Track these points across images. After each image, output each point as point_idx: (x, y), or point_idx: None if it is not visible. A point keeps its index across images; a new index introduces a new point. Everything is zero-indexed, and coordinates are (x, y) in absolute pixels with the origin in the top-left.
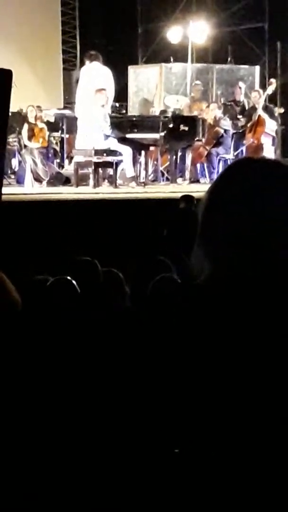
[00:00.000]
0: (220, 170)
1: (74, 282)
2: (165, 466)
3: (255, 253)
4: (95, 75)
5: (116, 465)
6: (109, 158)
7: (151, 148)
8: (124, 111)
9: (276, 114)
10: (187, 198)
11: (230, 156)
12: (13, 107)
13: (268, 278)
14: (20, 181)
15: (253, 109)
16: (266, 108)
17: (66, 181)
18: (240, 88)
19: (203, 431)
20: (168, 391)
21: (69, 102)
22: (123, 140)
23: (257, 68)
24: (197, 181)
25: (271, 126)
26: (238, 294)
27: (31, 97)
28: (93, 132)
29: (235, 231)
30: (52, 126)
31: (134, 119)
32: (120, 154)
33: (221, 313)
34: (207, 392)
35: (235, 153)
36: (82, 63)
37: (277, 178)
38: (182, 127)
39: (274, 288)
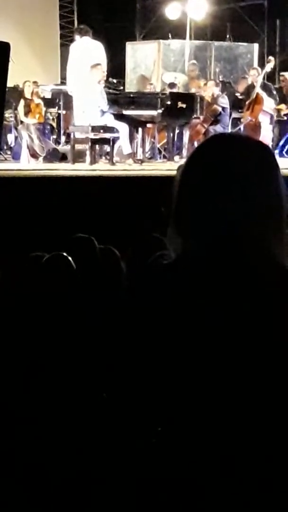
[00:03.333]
0: None
1: (70, 258)
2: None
3: (226, 232)
4: (88, 50)
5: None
6: (106, 135)
7: (149, 125)
8: (121, 88)
9: (274, 93)
10: None
11: None
12: (10, 83)
13: (238, 257)
14: (16, 157)
15: (251, 87)
16: (264, 86)
17: (62, 157)
18: (246, 77)
19: (187, 411)
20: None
21: (66, 78)
22: (120, 117)
23: (256, 46)
24: None
25: (269, 104)
26: (207, 273)
27: (28, 72)
28: (90, 108)
29: (205, 210)
30: (49, 102)
31: (131, 95)
32: (117, 131)
33: (190, 293)
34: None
35: (233, 131)
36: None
37: (248, 154)
38: (180, 104)
39: (243, 266)
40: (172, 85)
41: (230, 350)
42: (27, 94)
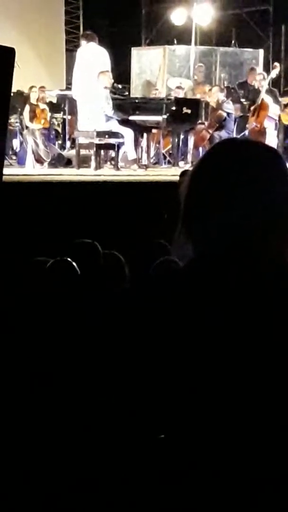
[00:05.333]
0: None
1: (74, 263)
2: (151, 450)
3: (237, 237)
4: (94, 56)
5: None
6: (111, 140)
7: (153, 130)
8: (126, 93)
9: (279, 99)
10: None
11: None
12: (15, 88)
13: (249, 263)
14: (21, 162)
15: (257, 92)
16: (269, 92)
17: (67, 162)
18: (255, 71)
19: (199, 416)
20: (160, 374)
21: (71, 83)
22: (125, 122)
23: (261, 52)
24: None
25: (274, 110)
26: (220, 279)
27: (34, 77)
28: (95, 113)
29: (215, 215)
30: (54, 107)
31: (136, 101)
32: (122, 136)
33: (201, 299)
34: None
35: (238, 137)
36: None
37: (258, 159)
38: (184, 109)
39: (255, 272)
40: (178, 87)
41: (243, 355)
42: (33, 100)
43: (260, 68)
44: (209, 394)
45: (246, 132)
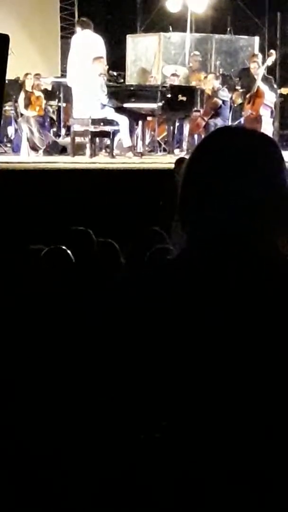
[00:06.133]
0: None
1: (69, 251)
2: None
3: (232, 225)
4: (90, 43)
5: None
6: (106, 128)
7: (149, 118)
8: (121, 80)
9: (275, 86)
10: (183, 162)
11: None
12: (10, 75)
13: (243, 252)
14: (16, 150)
15: (252, 80)
16: (265, 79)
17: (62, 150)
18: (255, 61)
19: (189, 410)
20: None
21: (66, 70)
22: (120, 110)
23: (257, 39)
24: None
25: (270, 97)
26: (212, 268)
27: (29, 64)
28: (90, 101)
29: (211, 203)
30: (49, 95)
31: (131, 88)
32: (117, 124)
33: (193, 289)
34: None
35: (234, 124)
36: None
37: (254, 147)
38: (180, 97)
39: (249, 262)
40: (173, 75)
41: (237, 346)
42: (28, 87)
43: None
44: (205, 385)
45: (242, 119)
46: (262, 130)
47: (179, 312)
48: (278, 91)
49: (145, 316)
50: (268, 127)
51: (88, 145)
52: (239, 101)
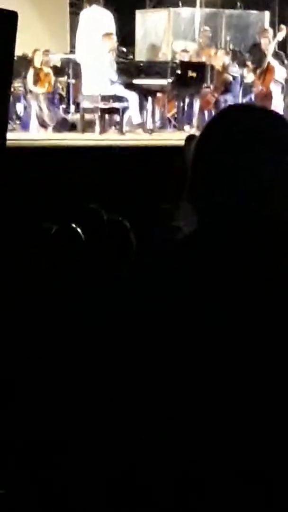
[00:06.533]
0: None
1: (78, 229)
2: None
3: (243, 204)
4: (99, 19)
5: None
6: (116, 104)
7: (158, 94)
8: (131, 57)
9: (286, 62)
10: (193, 139)
11: None
12: (19, 52)
13: (255, 234)
14: (25, 127)
15: (263, 55)
16: (276, 55)
17: (71, 127)
18: (266, 36)
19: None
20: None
21: (75, 47)
22: (130, 86)
23: (267, 14)
24: None
25: (281, 73)
26: (224, 249)
27: (37, 41)
28: (99, 77)
29: (222, 182)
30: (58, 71)
31: (141, 64)
32: (127, 100)
33: (201, 271)
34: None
35: (244, 100)
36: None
37: (265, 125)
38: (190, 73)
39: (260, 245)
40: (183, 51)
41: (245, 331)
42: (37, 63)
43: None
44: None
45: (252, 95)
46: (273, 106)
47: (186, 298)
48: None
49: (151, 302)
50: (278, 103)
51: (97, 122)
52: (250, 77)
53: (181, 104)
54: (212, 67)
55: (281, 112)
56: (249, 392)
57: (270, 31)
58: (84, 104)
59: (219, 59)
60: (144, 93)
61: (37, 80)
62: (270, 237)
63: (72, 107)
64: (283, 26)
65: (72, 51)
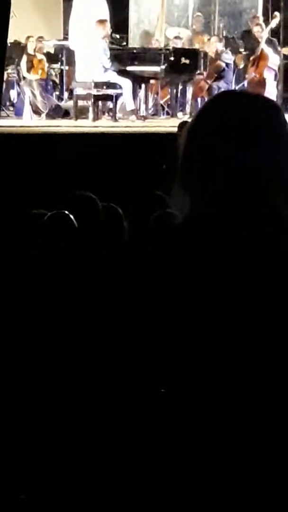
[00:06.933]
0: None
1: (71, 216)
2: (152, 405)
3: (235, 189)
4: (92, 6)
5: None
6: (109, 91)
7: (152, 81)
8: (124, 43)
9: (279, 49)
10: (186, 125)
11: None
12: (12, 38)
13: (247, 219)
14: (18, 113)
15: (256, 42)
16: (269, 42)
17: (65, 113)
18: (258, 23)
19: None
20: (158, 330)
21: (69, 33)
22: (123, 73)
23: (260, 1)
24: None
25: (274, 60)
26: (218, 234)
27: (31, 27)
28: (93, 64)
29: (213, 167)
30: (52, 58)
31: (134, 51)
32: (120, 87)
33: (197, 257)
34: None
35: (237, 87)
36: None
37: (257, 111)
38: (183, 60)
39: (253, 229)
40: (176, 37)
41: (247, 312)
42: (30, 50)
43: (259, 18)
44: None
45: (245, 82)
46: (266, 93)
47: (186, 279)
48: (281, 51)
49: (150, 282)
50: (272, 90)
51: (91, 109)
52: (242, 63)
53: (174, 91)
54: (205, 54)
55: (274, 99)
56: (245, 384)
57: (261, 18)
58: (78, 91)
59: (212, 46)
60: (138, 80)
61: (30, 66)
62: (263, 222)
63: (66, 94)
64: (276, 13)
65: (65, 37)
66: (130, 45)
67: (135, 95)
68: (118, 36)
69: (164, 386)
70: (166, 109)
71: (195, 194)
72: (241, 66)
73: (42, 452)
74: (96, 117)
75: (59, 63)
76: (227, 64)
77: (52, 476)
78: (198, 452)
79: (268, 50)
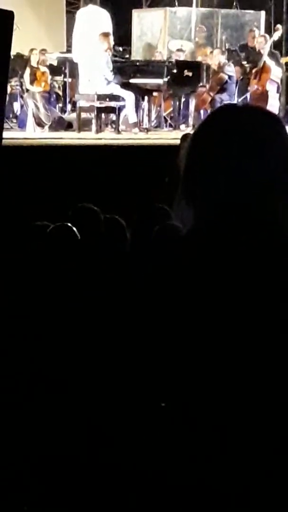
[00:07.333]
0: None
1: (74, 228)
2: (151, 410)
3: (238, 202)
4: (94, 18)
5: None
6: (112, 103)
7: (155, 93)
8: (127, 56)
9: (281, 61)
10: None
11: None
12: (15, 50)
13: (251, 230)
14: (21, 126)
15: (259, 55)
16: (271, 55)
17: (68, 126)
18: (254, 36)
19: (193, 382)
20: (159, 339)
21: (72, 46)
22: (126, 85)
23: (263, 14)
24: None
25: (277, 73)
26: (223, 246)
27: (34, 40)
28: (96, 76)
29: (216, 180)
30: (55, 70)
31: (137, 64)
32: (123, 100)
33: (202, 267)
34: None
35: (240, 100)
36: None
37: (258, 124)
38: (186, 72)
39: (256, 242)
40: (179, 50)
41: (253, 321)
42: (33, 62)
43: (262, 31)
44: (210, 366)
45: (248, 95)
46: (269, 105)
47: (191, 292)
48: (283, 62)
49: (158, 293)
50: (274, 102)
51: (94, 121)
52: (240, 76)
53: (177, 103)
54: (208, 67)
55: (276, 111)
56: (250, 395)
57: (257, 31)
58: (81, 103)
59: (215, 58)
60: (140, 92)
61: (33, 79)
62: (266, 235)
63: (69, 106)
64: (278, 26)
65: (68, 50)
66: (133, 58)
67: (138, 107)
68: (121, 48)
69: (166, 397)
70: (168, 121)
71: (198, 207)
72: (240, 78)
73: (42, 461)
74: (99, 129)
75: (62, 75)
76: (229, 77)
77: (52, 487)
78: (198, 457)
79: (270, 63)
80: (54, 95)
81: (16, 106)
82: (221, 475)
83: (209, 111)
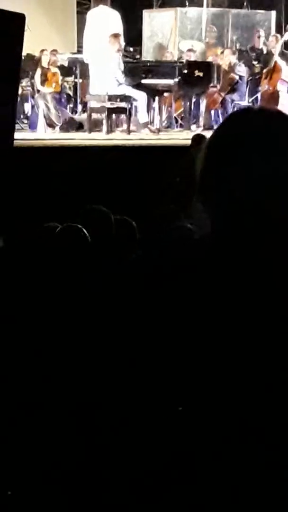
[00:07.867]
0: None
1: (84, 230)
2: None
3: (255, 210)
4: (105, 19)
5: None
6: (123, 104)
7: (165, 94)
8: (138, 56)
9: None
10: (199, 139)
11: (245, 103)
12: (26, 51)
13: (270, 237)
14: (32, 126)
15: (270, 55)
16: (282, 55)
17: (79, 126)
18: (259, 36)
19: (207, 387)
20: (172, 344)
21: (82, 46)
22: (137, 86)
23: (273, 14)
24: (211, 127)
25: (287, 73)
26: (238, 253)
27: (44, 41)
28: (107, 77)
29: (233, 186)
30: (65, 71)
31: (148, 64)
32: (134, 100)
33: (221, 271)
34: (208, 347)
35: (250, 100)
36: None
37: (275, 130)
38: (196, 72)
39: (274, 245)
40: (190, 50)
41: (262, 331)
42: (44, 63)
43: (272, 31)
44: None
45: (259, 95)
46: (280, 105)
47: (207, 295)
48: None
49: (165, 296)
50: (285, 102)
51: (104, 121)
52: (250, 76)
53: (188, 103)
54: (219, 67)
55: (287, 111)
56: (249, 388)
57: (262, 32)
58: (92, 103)
59: (226, 58)
60: (151, 92)
61: (44, 80)
62: (287, 239)
63: (79, 107)
64: None
65: (79, 50)
66: (143, 58)
67: (148, 108)
68: (131, 49)
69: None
70: (179, 121)
71: (215, 211)
72: (249, 78)
73: (42, 461)
74: (109, 130)
75: (73, 76)
76: (240, 77)
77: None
78: (201, 455)
79: (281, 63)
80: (65, 96)
81: (27, 107)
82: (224, 475)
83: (219, 111)
